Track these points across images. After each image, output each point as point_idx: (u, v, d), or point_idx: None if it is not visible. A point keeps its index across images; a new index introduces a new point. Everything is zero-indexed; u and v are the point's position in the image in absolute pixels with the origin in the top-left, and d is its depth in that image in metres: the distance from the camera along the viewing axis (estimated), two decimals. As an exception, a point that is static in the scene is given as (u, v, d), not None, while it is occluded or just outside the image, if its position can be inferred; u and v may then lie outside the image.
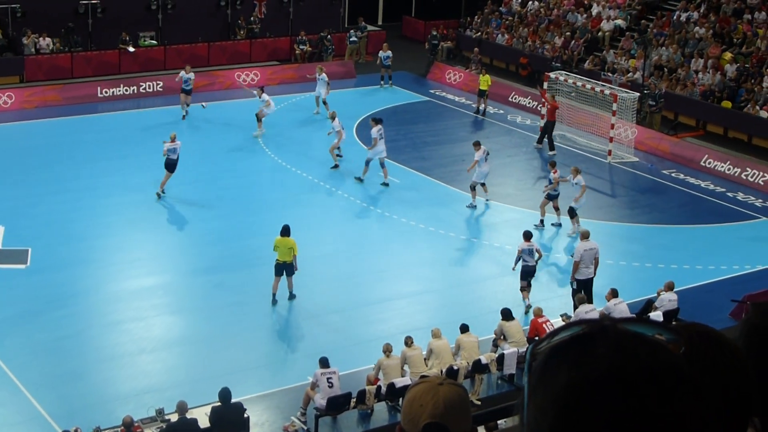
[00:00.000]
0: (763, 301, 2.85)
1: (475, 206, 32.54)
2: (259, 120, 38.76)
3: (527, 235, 27.06)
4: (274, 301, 26.20)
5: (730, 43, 44.31)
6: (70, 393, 21.97)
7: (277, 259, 26.15)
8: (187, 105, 39.84)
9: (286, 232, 26.37)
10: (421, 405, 3.45)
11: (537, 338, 1.76)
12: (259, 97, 38.64)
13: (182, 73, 40.32)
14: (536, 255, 26.59)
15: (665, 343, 1.81)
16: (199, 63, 46.57)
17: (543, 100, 39.43)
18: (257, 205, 32.52)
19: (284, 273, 26.23)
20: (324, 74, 41.48)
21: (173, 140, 32.52)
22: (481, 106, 43.34)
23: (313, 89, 42.28)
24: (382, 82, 46.70)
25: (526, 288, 26.60)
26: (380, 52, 47.40)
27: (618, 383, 1.71)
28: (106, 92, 42.75)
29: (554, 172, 31.71)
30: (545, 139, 38.61)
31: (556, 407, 1.74)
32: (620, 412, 1.69)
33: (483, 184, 32.80)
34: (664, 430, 1.70)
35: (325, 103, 41.06)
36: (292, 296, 26.39)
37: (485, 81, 43.19)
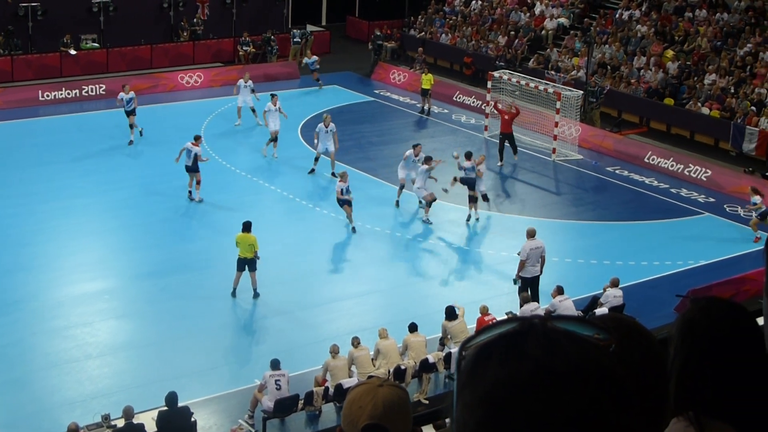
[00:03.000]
0: (701, 297, 2.86)
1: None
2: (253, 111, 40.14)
3: (468, 155, 31.74)
4: (234, 294, 26.36)
5: (672, 40, 44.64)
6: (14, 401, 21.71)
7: (239, 255, 26.26)
8: (133, 127, 38.56)
9: (247, 228, 26.44)
10: (360, 407, 3.43)
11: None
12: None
13: (121, 94, 38.85)
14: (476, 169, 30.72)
15: (595, 341, 1.78)
16: (141, 65, 46.38)
17: (499, 113, 38.36)
18: (201, 208, 32.34)
19: (246, 268, 26.33)
20: (250, 81, 40.59)
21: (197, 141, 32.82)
22: (425, 106, 43.37)
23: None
24: (320, 83, 46.67)
25: (471, 200, 31.58)
26: (305, 57, 47.39)
27: (545, 382, 1.69)
28: (47, 96, 42.36)
29: (474, 161, 31.99)
30: (509, 148, 37.79)
31: (483, 406, 1.71)
32: (547, 411, 1.67)
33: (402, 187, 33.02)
34: (590, 428, 1.68)
35: (253, 110, 40.24)
36: (256, 294, 26.50)
37: (428, 80, 43.23)
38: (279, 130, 36.74)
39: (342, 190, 30.28)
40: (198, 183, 32.45)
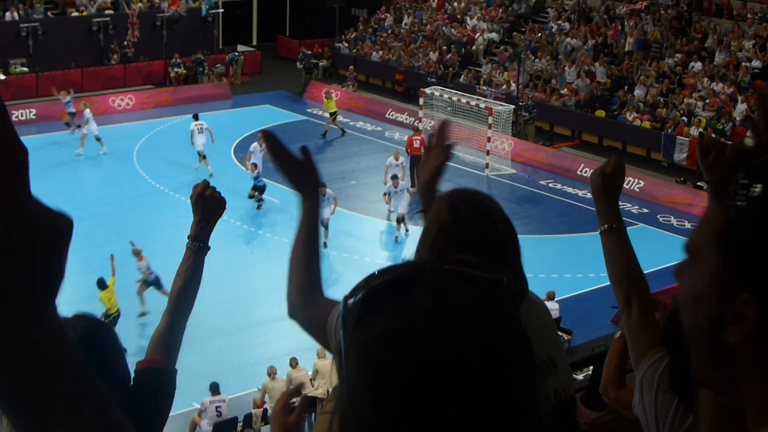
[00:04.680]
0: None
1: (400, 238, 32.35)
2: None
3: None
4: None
5: (602, 52, 45.01)
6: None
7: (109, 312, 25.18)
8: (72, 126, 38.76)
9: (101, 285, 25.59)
10: None
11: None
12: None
13: (60, 95, 39.67)
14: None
15: (486, 278, 1.69)
16: (72, 89, 45.98)
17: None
18: (134, 230, 32.07)
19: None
20: (88, 109, 38.99)
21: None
22: (333, 126, 42.59)
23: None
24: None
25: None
26: (60, 96, 42.50)
27: (438, 328, 1.59)
28: None
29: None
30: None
31: (375, 362, 1.60)
32: (442, 359, 1.56)
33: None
34: (485, 371, 1.59)
35: (100, 140, 38.68)
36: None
37: (331, 104, 42.66)
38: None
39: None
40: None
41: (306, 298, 3.60)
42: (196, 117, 37.92)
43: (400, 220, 31.70)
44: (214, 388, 21.07)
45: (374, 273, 1.72)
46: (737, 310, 1.70)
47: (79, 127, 39.64)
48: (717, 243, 1.75)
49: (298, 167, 3.72)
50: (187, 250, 4.63)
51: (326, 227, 30.50)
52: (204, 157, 36.84)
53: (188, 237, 4.64)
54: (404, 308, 1.61)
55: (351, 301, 1.71)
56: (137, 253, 27.72)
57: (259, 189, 33.31)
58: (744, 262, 1.70)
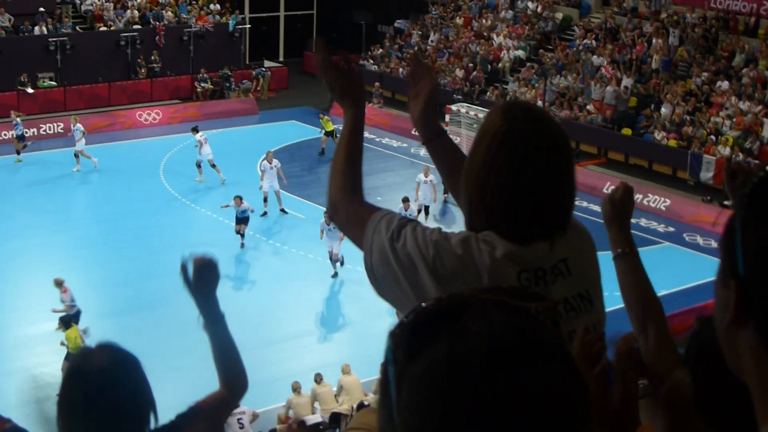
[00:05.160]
0: (706, 315, 2.85)
1: None
2: (198, 166, 38.25)
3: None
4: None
5: (629, 70, 44.92)
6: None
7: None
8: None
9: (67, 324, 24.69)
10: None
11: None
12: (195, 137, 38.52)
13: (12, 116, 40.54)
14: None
15: (532, 309, 1.70)
16: (99, 103, 46.29)
17: None
18: (160, 245, 32.17)
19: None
20: (79, 124, 38.77)
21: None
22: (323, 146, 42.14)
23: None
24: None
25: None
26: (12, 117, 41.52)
27: (498, 354, 1.59)
28: (4, 134, 42.07)
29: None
30: None
31: (437, 388, 1.58)
32: (504, 386, 1.57)
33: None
34: (545, 401, 1.59)
35: (81, 155, 38.48)
36: None
37: (327, 121, 42.21)
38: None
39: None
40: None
41: (347, 197, 3.58)
42: (196, 130, 38.37)
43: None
44: None
45: (420, 305, 1.71)
46: (728, 295, 1.77)
47: (25, 147, 39.77)
48: (724, 238, 1.80)
49: (341, 75, 3.72)
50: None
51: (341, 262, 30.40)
52: (214, 166, 37.13)
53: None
54: (462, 336, 1.61)
55: (398, 332, 1.71)
56: (59, 284, 25.93)
57: (243, 221, 32.56)
58: (733, 249, 1.75)
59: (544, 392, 1.59)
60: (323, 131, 42.39)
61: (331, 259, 30.14)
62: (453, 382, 1.58)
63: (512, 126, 3.15)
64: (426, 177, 33.47)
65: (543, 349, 1.64)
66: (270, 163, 34.58)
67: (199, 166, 38.19)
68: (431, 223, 31.42)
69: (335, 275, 30.14)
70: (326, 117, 42.73)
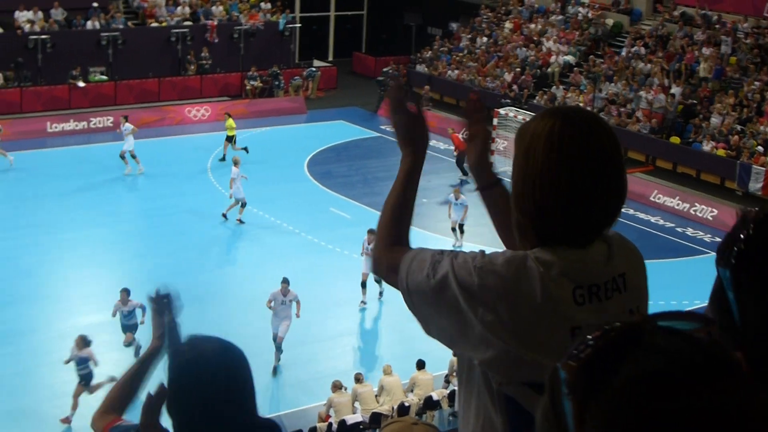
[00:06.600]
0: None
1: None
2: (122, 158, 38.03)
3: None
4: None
5: (678, 78, 44.71)
6: (20, 430, 21.71)
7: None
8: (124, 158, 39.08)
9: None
10: None
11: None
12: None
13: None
14: None
15: (700, 334, 1.69)
16: (149, 98, 46.61)
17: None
18: (208, 239, 32.34)
19: None
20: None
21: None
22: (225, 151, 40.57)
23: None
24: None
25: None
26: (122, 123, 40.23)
27: (681, 373, 1.58)
28: (55, 127, 42.50)
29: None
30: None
31: (624, 408, 1.55)
32: (688, 404, 1.55)
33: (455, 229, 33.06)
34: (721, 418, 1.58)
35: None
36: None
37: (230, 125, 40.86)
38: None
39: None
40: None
41: (387, 249, 3.55)
42: (126, 118, 38.73)
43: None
44: None
45: (586, 337, 1.66)
46: None
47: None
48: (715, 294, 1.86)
49: (409, 121, 3.71)
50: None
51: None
52: (134, 157, 37.74)
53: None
54: (649, 358, 1.59)
55: (574, 364, 1.63)
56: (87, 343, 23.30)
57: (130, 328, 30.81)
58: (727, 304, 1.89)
59: (738, 410, 1.58)
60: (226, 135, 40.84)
61: (363, 283, 29.03)
62: (655, 402, 1.56)
63: (570, 127, 3.13)
64: (456, 199, 33.22)
65: (724, 367, 1.63)
66: (237, 170, 33.68)
67: (123, 157, 38.03)
68: (466, 241, 31.53)
69: (381, 294, 29.18)
70: (231, 119, 41.13)
